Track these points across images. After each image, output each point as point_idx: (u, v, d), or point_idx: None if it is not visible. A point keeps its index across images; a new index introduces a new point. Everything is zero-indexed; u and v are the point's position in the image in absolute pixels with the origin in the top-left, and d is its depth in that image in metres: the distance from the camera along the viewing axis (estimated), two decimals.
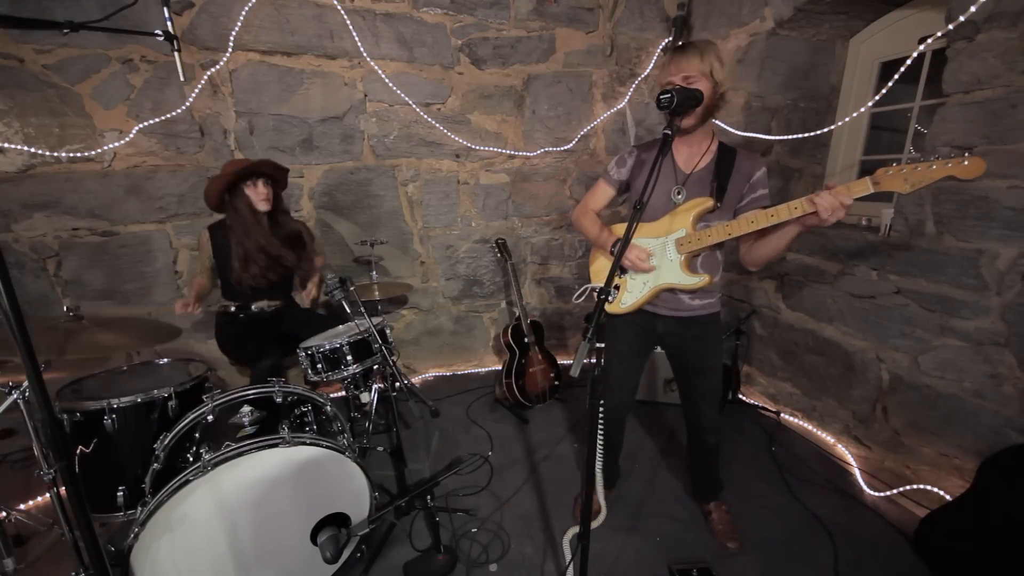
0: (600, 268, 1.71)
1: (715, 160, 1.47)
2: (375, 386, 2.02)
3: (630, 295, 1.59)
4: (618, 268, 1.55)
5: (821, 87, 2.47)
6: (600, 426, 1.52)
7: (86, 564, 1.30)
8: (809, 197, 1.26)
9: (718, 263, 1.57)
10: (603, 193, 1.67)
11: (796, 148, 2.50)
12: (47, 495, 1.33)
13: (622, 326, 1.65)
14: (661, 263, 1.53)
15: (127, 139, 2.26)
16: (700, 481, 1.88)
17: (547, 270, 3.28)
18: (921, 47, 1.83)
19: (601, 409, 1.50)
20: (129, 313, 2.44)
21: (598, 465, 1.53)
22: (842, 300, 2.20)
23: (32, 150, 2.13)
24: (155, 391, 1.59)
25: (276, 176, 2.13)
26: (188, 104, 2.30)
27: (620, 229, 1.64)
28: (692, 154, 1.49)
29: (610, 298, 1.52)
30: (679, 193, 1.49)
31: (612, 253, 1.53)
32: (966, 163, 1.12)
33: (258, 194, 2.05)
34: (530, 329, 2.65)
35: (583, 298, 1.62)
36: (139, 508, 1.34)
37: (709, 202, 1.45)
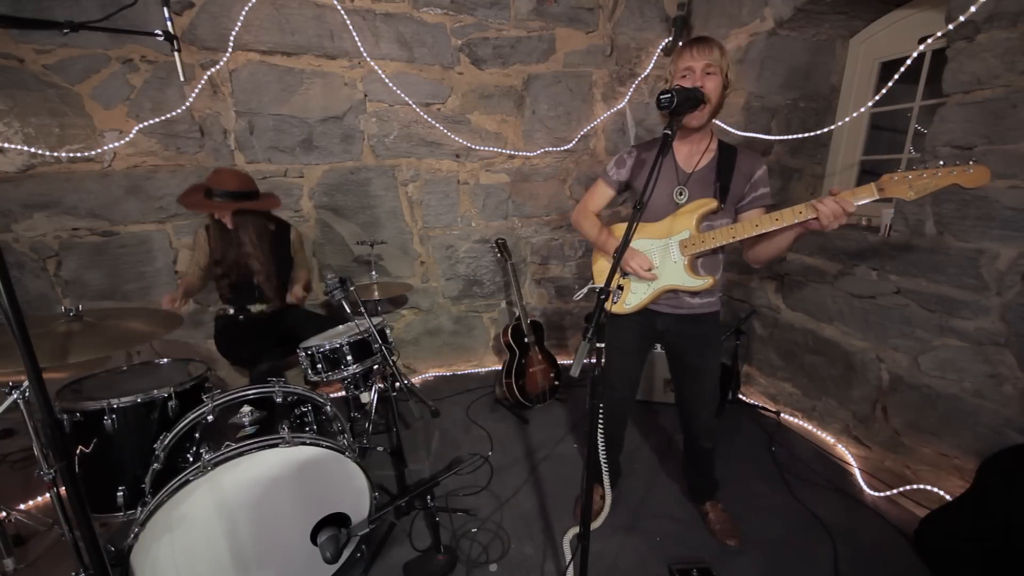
0: (603, 268, 1.71)
1: (716, 159, 1.47)
2: (375, 386, 2.02)
3: (634, 296, 1.59)
4: (619, 272, 1.55)
5: (821, 87, 2.47)
6: (600, 424, 1.52)
7: (86, 564, 1.29)
8: (812, 203, 1.27)
9: (719, 263, 1.57)
10: (602, 194, 1.67)
11: (796, 148, 2.50)
12: (47, 495, 1.33)
13: (623, 323, 1.65)
14: (664, 265, 1.52)
15: (127, 139, 2.26)
16: (696, 482, 1.88)
17: (547, 270, 3.28)
18: (921, 47, 1.83)
19: (602, 406, 1.50)
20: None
21: (603, 461, 1.53)
22: (842, 300, 2.20)
23: (32, 150, 2.13)
24: (155, 391, 1.58)
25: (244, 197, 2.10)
26: (188, 104, 2.30)
27: (619, 228, 1.64)
28: (692, 153, 1.48)
29: (614, 299, 1.51)
30: (681, 193, 1.48)
31: (615, 256, 1.53)
32: (971, 171, 1.11)
33: (217, 213, 2.08)
34: (530, 329, 2.65)
35: (582, 296, 1.63)
36: (139, 508, 1.34)
37: (713, 203, 1.44)
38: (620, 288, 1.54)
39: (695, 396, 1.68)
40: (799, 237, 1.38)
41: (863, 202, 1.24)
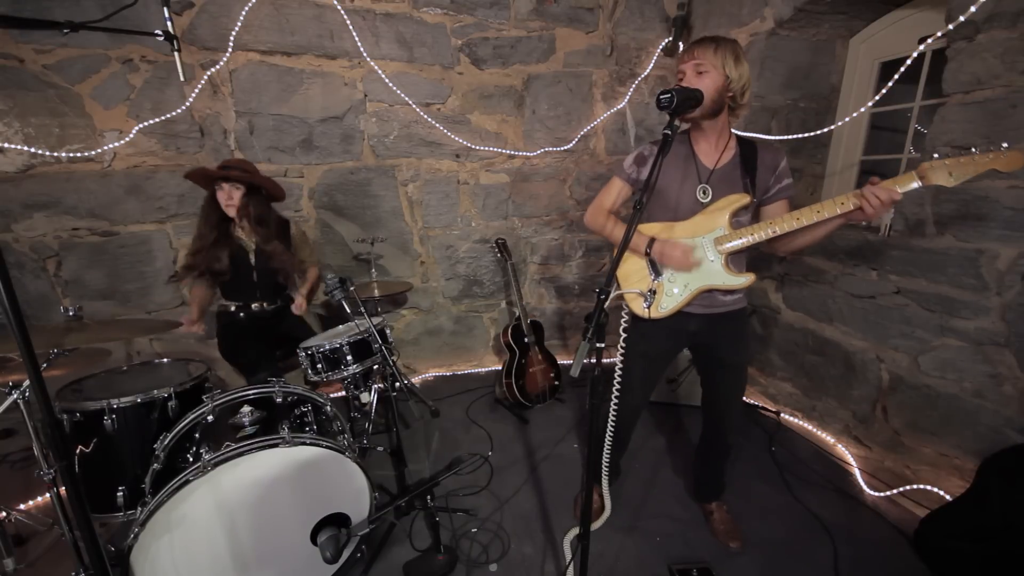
0: (628, 270, 1.58)
1: (738, 154, 1.46)
2: (375, 386, 2.02)
3: (669, 299, 1.51)
4: (651, 276, 1.50)
5: (821, 87, 2.47)
6: (612, 422, 1.50)
7: (86, 564, 1.30)
8: (858, 192, 1.26)
9: (743, 259, 1.55)
10: (619, 191, 1.61)
11: (796, 148, 2.50)
12: (47, 495, 1.33)
13: (652, 330, 1.57)
14: (701, 264, 1.47)
15: (127, 139, 2.26)
16: (705, 480, 1.86)
17: (547, 270, 3.28)
18: (921, 47, 1.83)
19: (616, 407, 1.49)
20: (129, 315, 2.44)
21: (604, 461, 1.52)
22: (842, 300, 2.20)
23: (32, 150, 2.13)
24: (155, 391, 1.58)
25: (251, 183, 2.03)
26: (188, 104, 2.30)
27: (646, 228, 1.55)
28: (713, 149, 1.47)
29: (646, 303, 1.49)
30: (705, 192, 1.45)
31: (647, 254, 1.48)
32: (1005, 156, 1.14)
33: (224, 196, 1.99)
34: (530, 329, 2.65)
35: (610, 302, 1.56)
36: (139, 508, 1.34)
37: (746, 198, 1.42)
38: (652, 292, 1.45)
39: (727, 391, 1.65)
40: (836, 228, 1.36)
41: (906, 189, 1.24)
